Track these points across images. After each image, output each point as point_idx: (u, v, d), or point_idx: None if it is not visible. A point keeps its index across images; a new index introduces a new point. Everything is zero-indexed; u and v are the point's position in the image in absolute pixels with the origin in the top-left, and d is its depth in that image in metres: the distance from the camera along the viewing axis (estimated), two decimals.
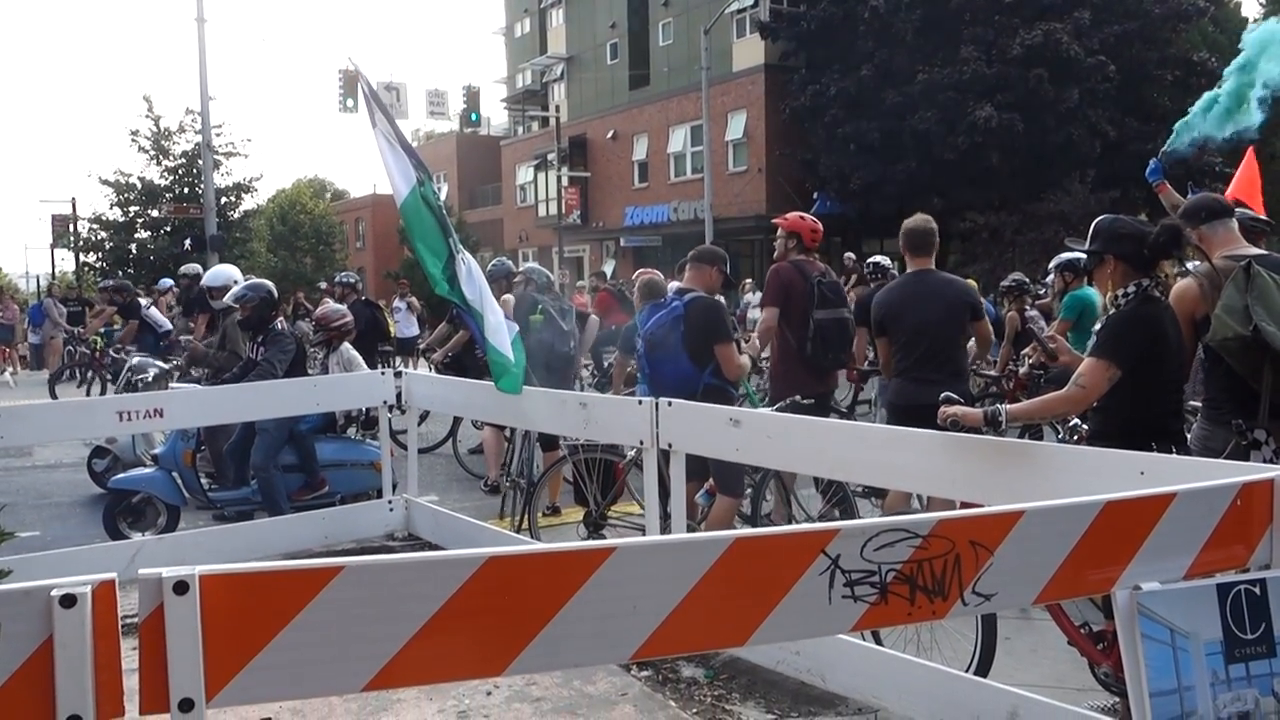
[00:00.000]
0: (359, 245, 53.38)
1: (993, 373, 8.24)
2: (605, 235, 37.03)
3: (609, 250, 37.32)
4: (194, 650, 1.70)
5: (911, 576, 2.12)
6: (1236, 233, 3.99)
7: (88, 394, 13.70)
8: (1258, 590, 2.35)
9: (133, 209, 31.66)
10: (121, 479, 6.85)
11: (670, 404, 4.51)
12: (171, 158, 31.49)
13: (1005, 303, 9.02)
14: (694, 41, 29.56)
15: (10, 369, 20.18)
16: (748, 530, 2.12)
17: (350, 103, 24.92)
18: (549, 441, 7.03)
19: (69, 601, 1.65)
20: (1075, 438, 3.76)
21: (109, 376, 13.39)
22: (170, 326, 13.29)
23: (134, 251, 31.45)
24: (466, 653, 1.90)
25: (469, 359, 8.80)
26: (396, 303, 18.25)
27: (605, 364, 11.49)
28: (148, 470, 6.84)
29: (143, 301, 13.65)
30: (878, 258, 9.10)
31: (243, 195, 32.76)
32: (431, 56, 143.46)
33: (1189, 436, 3.74)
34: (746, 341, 6.29)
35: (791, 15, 27.56)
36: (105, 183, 31.26)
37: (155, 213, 31.10)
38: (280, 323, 7.26)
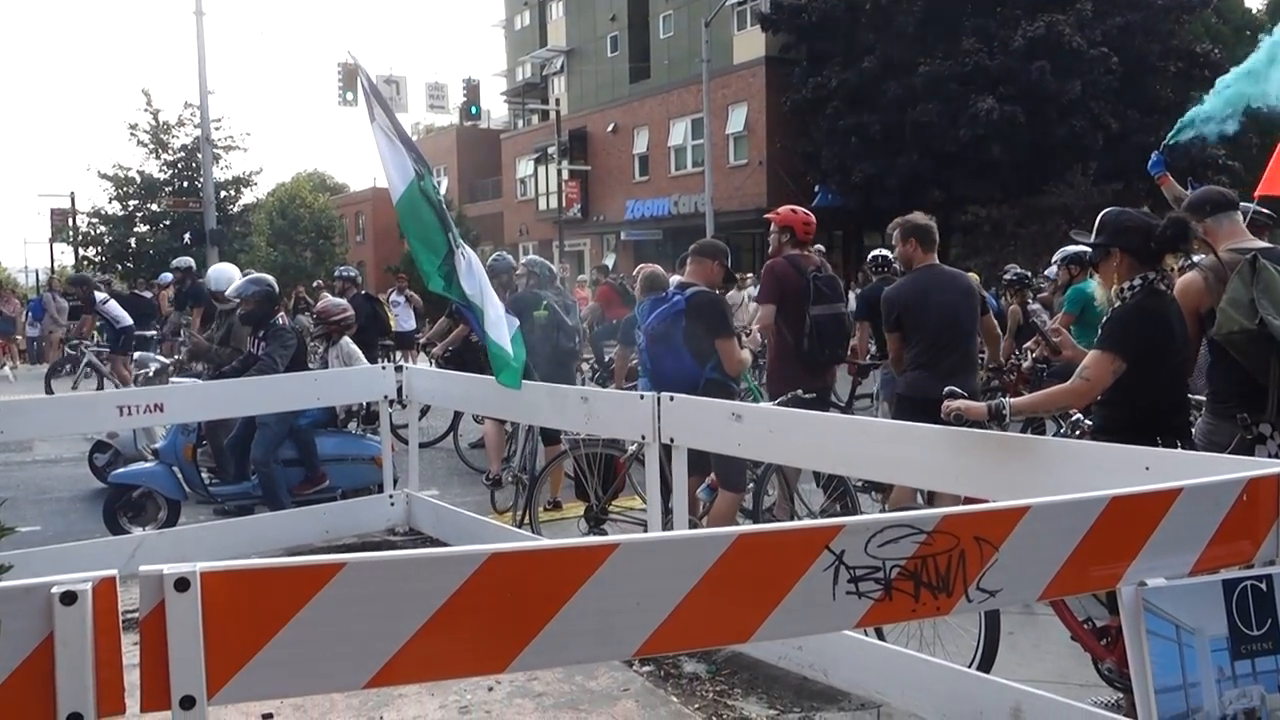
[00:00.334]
0: (359, 239, 53.31)
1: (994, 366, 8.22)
2: (606, 229, 36.98)
3: (609, 244, 37.29)
4: (195, 647, 1.70)
5: (916, 573, 2.11)
6: (1242, 226, 3.97)
7: (74, 387, 13.64)
8: (1264, 586, 2.34)
9: (132, 203, 31.64)
10: (121, 473, 6.84)
11: (672, 399, 4.49)
12: (170, 151, 31.45)
13: (1007, 296, 9.00)
14: (695, 34, 29.50)
15: (10, 363, 20.17)
16: (751, 527, 2.10)
17: (350, 96, 24.85)
18: (551, 436, 7.02)
19: (69, 599, 1.64)
20: (1077, 432, 3.75)
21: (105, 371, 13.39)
22: (129, 321, 13.34)
23: (133, 245, 31.42)
24: (469, 650, 1.89)
25: (469, 353, 8.78)
26: (395, 297, 18.23)
27: (606, 358, 11.49)
28: (148, 465, 6.83)
29: (99, 296, 13.69)
30: (882, 251, 9.06)
31: (242, 189, 32.74)
32: (431, 49, 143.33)
33: (1194, 431, 3.73)
34: (748, 335, 6.26)
35: (792, 7, 27.47)
36: (104, 176, 31.25)
37: (154, 207, 31.09)
38: (281, 318, 7.24)
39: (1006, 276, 9.16)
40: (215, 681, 1.73)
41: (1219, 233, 3.87)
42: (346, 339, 7.76)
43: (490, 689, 3.89)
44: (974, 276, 6.25)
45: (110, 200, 31.68)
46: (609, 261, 30.84)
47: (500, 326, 5.37)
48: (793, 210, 6.33)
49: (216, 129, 28.60)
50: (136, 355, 10.33)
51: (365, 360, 7.93)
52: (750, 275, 19.69)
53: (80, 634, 1.64)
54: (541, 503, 6.46)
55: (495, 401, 5.83)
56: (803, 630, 2.47)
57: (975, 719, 3.37)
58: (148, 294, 16.62)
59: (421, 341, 11.83)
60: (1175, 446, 3.34)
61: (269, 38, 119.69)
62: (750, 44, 31.01)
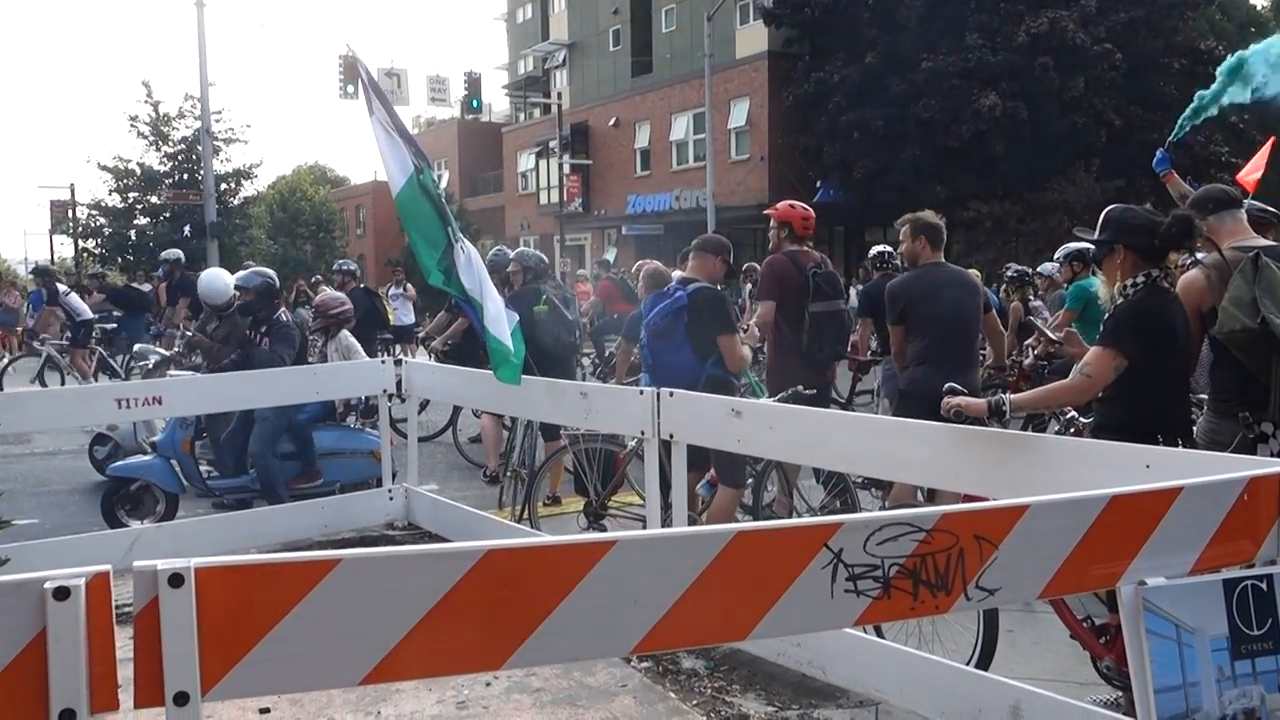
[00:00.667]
0: (359, 232, 53.29)
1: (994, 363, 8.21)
2: (607, 223, 36.95)
3: (610, 238, 37.26)
4: (189, 643, 1.69)
5: (915, 571, 2.10)
6: (1245, 223, 3.95)
7: (61, 381, 13.61)
8: (1264, 586, 2.33)
9: (132, 195, 31.62)
10: (119, 466, 6.83)
11: (672, 394, 4.48)
12: (171, 143, 31.43)
13: (1009, 293, 8.98)
14: (697, 28, 29.43)
15: (8, 355, 20.17)
16: (749, 524, 2.10)
17: (351, 89, 24.80)
18: (550, 431, 7.00)
19: (62, 594, 1.63)
20: (1072, 430, 3.74)
21: (114, 366, 13.38)
22: (90, 315, 13.38)
23: (133, 238, 31.43)
24: (466, 646, 1.88)
25: (468, 347, 8.77)
26: (393, 290, 18.21)
27: (606, 352, 11.48)
28: (146, 458, 6.82)
29: (61, 288, 13.72)
30: (885, 247, 9.04)
31: (243, 182, 32.74)
32: (433, 42, 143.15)
33: (1195, 430, 3.72)
34: (745, 331, 6.25)
35: (795, 2, 27.40)
36: (104, 168, 31.23)
37: (154, 199, 31.07)
38: (284, 313, 7.23)
39: (1008, 273, 9.14)
40: (210, 677, 1.72)
41: (1222, 230, 3.86)
42: (345, 333, 7.75)
43: (488, 684, 3.89)
44: (975, 273, 6.24)
45: (110, 192, 31.69)
46: (610, 256, 30.82)
47: (500, 321, 5.36)
48: (791, 205, 6.30)
49: (217, 121, 28.61)
50: (136, 348, 10.33)
51: (364, 354, 7.91)
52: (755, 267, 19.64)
53: (73, 629, 1.63)
54: (541, 498, 6.45)
55: (495, 396, 5.82)
56: (801, 628, 2.46)
57: (974, 717, 3.36)
58: (146, 287, 16.62)
59: (421, 335, 11.81)
60: (1176, 445, 3.33)
61: (270, 30, 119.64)
62: (753, 38, 30.94)
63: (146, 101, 31.23)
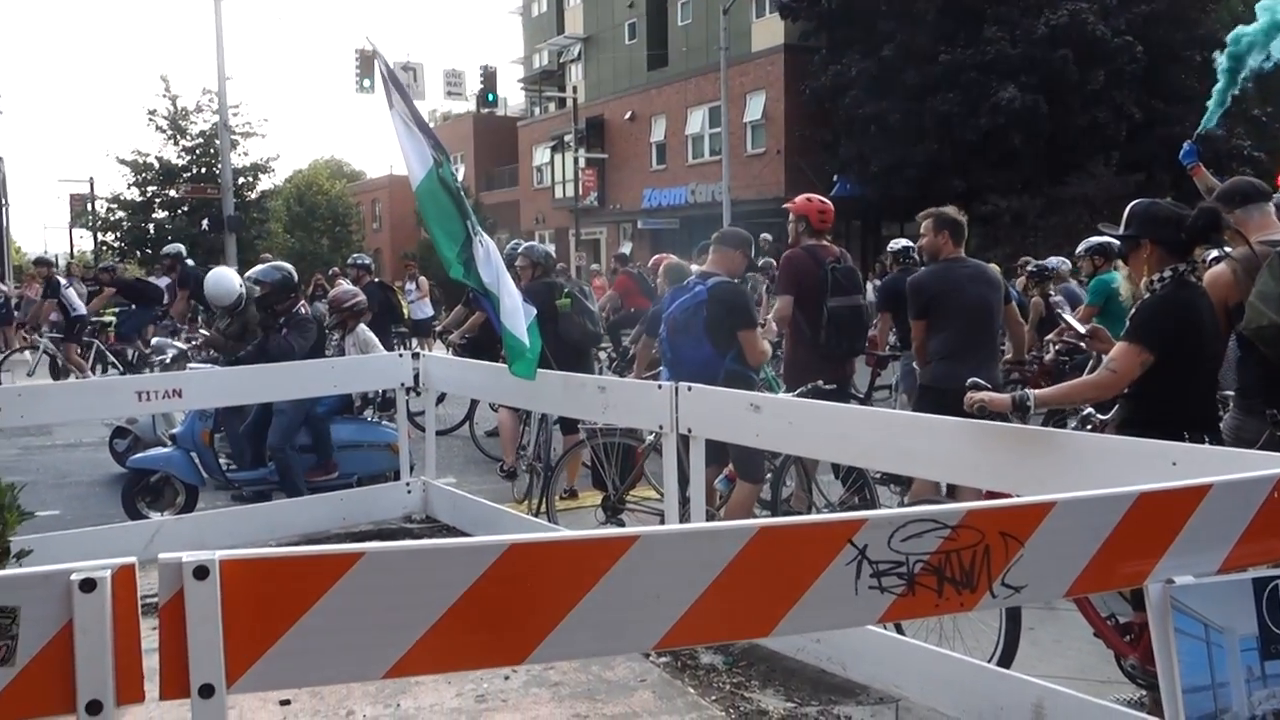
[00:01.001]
0: (375, 226, 53.46)
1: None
2: (622, 217, 36.93)
3: (626, 232, 37.24)
4: (214, 636, 1.69)
5: (939, 568, 2.08)
6: (1273, 217, 3.91)
7: (30, 375, 13.66)
8: None
9: (150, 189, 31.78)
10: (139, 458, 6.87)
11: (690, 389, 4.47)
12: (189, 137, 31.57)
13: (1028, 287, 8.93)
14: (713, 21, 29.35)
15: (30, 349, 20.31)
16: (773, 520, 2.09)
17: (367, 83, 24.83)
18: (568, 424, 7.00)
19: (89, 586, 1.63)
20: (1089, 426, 3.70)
21: (112, 359, 13.45)
22: (84, 310, 13.48)
23: (151, 231, 31.59)
24: (487, 641, 1.87)
25: (486, 341, 8.77)
26: (408, 284, 18.27)
27: (623, 346, 11.45)
28: (166, 450, 6.86)
29: (61, 281, 13.83)
30: (905, 242, 8.99)
31: (260, 176, 32.86)
32: (448, 36, 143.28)
33: (1222, 426, 3.68)
34: (763, 326, 6.22)
35: None
36: (123, 162, 31.40)
37: (173, 193, 31.23)
38: (303, 306, 7.25)
39: (1029, 268, 9.09)
40: (234, 670, 1.72)
41: (1250, 224, 3.81)
42: (363, 326, 7.76)
43: (506, 678, 3.89)
44: (994, 268, 6.19)
45: (129, 186, 31.87)
46: (625, 250, 30.80)
47: (516, 316, 5.34)
48: (808, 199, 6.26)
49: (234, 115, 28.70)
50: (154, 341, 10.36)
51: (382, 348, 7.93)
52: (772, 262, 19.58)
53: (99, 621, 1.64)
54: (558, 491, 6.45)
55: (513, 390, 5.81)
56: (824, 625, 2.45)
57: (996, 715, 3.34)
58: (164, 280, 16.72)
59: (438, 329, 11.84)
60: (1203, 442, 3.29)
61: (286, 24, 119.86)
62: (769, 31, 30.84)
63: (165, 95, 31.41)
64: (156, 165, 31.45)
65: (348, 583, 1.76)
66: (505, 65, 57.76)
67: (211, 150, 29.87)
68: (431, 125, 5.57)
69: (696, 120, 33.28)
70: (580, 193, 35.04)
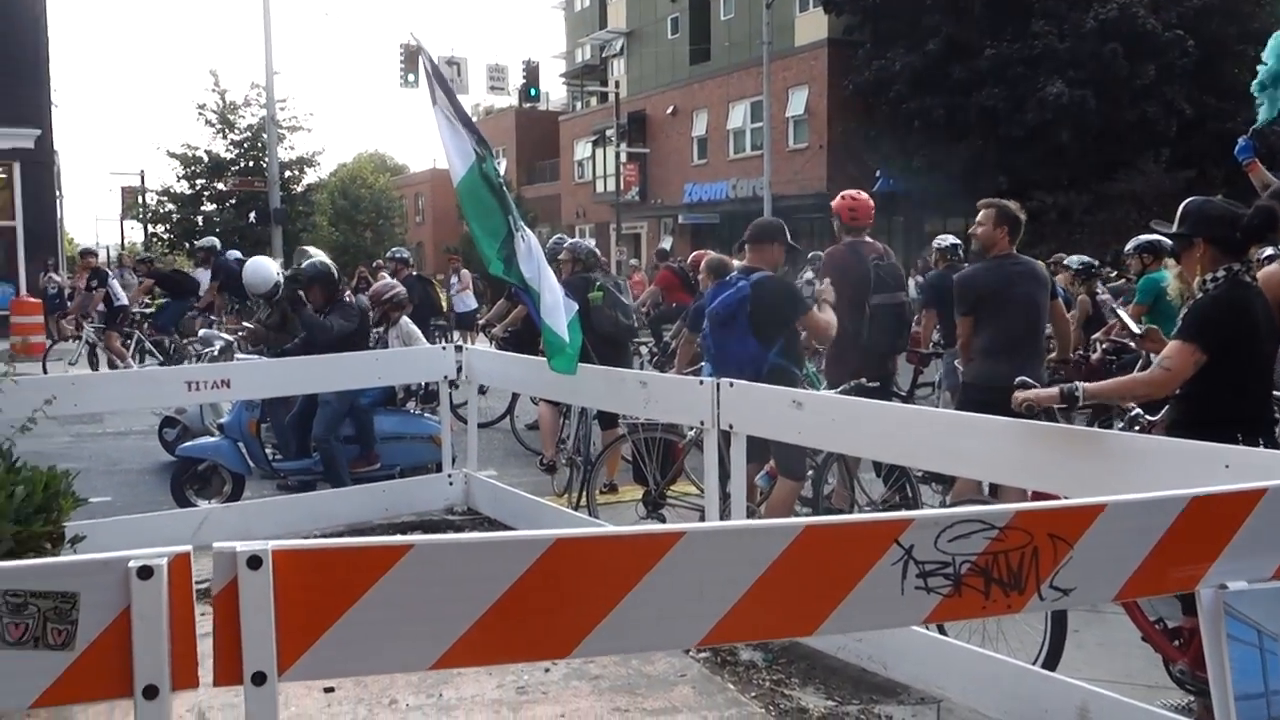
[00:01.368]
0: (418, 220, 53.88)
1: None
2: (663, 212, 36.90)
3: (667, 227, 37.21)
4: (267, 624, 1.72)
5: (987, 569, 2.07)
6: None
7: (72, 365, 13.85)
8: None
9: (199, 182, 32.30)
10: (188, 447, 6.99)
11: (731, 385, 4.46)
12: (237, 131, 32.03)
13: (1076, 285, 8.80)
14: (756, 16, 29.22)
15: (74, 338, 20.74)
16: (819, 518, 2.08)
17: (411, 78, 25.04)
18: (608, 419, 7.02)
19: (146, 573, 1.67)
20: (1137, 428, 3.64)
21: (149, 348, 13.66)
22: (126, 300, 13.69)
23: (200, 223, 32.10)
24: (533, 634, 1.89)
25: (528, 334, 8.81)
26: (451, 278, 18.42)
27: (664, 341, 11.45)
28: (213, 439, 6.97)
29: (107, 271, 14.10)
30: (952, 238, 8.89)
31: (305, 169, 33.27)
32: (492, 31, 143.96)
33: (1278, 429, 3.61)
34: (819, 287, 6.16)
35: None
36: (173, 156, 31.93)
37: (221, 186, 31.71)
38: (348, 295, 7.33)
39: (1075, 265, 8.94)
40: (285, 658, 1.75)
41: None
42: (405, 319, 7.83)
43: (547, 670, 3.91)
44: (1042, 265, 6.11)
45: (179, 179, 32.43)
46: (666, 245, 30.76)
47: (557, 312, 5.36)
48: (841, 196, 6.23)
49: (281, 110, 29.06)
50: (201, 333, 10.54)
51: (425, 340, 7.99)
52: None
53: (156, 608, 1.67)
54: (598, 485, 6.47)
55: (554, 384, 5.84)
56: (869, 625, 2.44)
57: (1039, 718, 3.31)
58: (205, 273, 16.99)
59: (481, 322, 11.91)
60: (1257, 444, 3.23)
61: (333, 20, 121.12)
62: (812, 26, 30.64)
63: (214, 90, 31.91)
64: (205, 158, 31.94)
65: (396, 574, 1.78)
66: (547, 60, 58.03)
67: (259, 144, 30.28)
68: (474, 120, 5.59)
69: (738, 115, 33.16)
70: (621, 187, 35.06)
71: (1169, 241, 3.77)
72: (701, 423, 4.61)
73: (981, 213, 5.25)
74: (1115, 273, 10.89)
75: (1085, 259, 8.96)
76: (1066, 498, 3.10)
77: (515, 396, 9.47)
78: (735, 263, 6.73)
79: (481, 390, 7.65)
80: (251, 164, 31.27)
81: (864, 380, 5.16)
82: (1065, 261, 9.16)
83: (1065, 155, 24.08)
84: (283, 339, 7.60)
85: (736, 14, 33.86)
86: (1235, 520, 2.23)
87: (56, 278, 20.13)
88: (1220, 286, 3.37)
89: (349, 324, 6.97)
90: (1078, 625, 4.11)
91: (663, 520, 5.66)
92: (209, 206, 32.71)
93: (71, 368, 13.33)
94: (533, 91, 30.57)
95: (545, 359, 5.54)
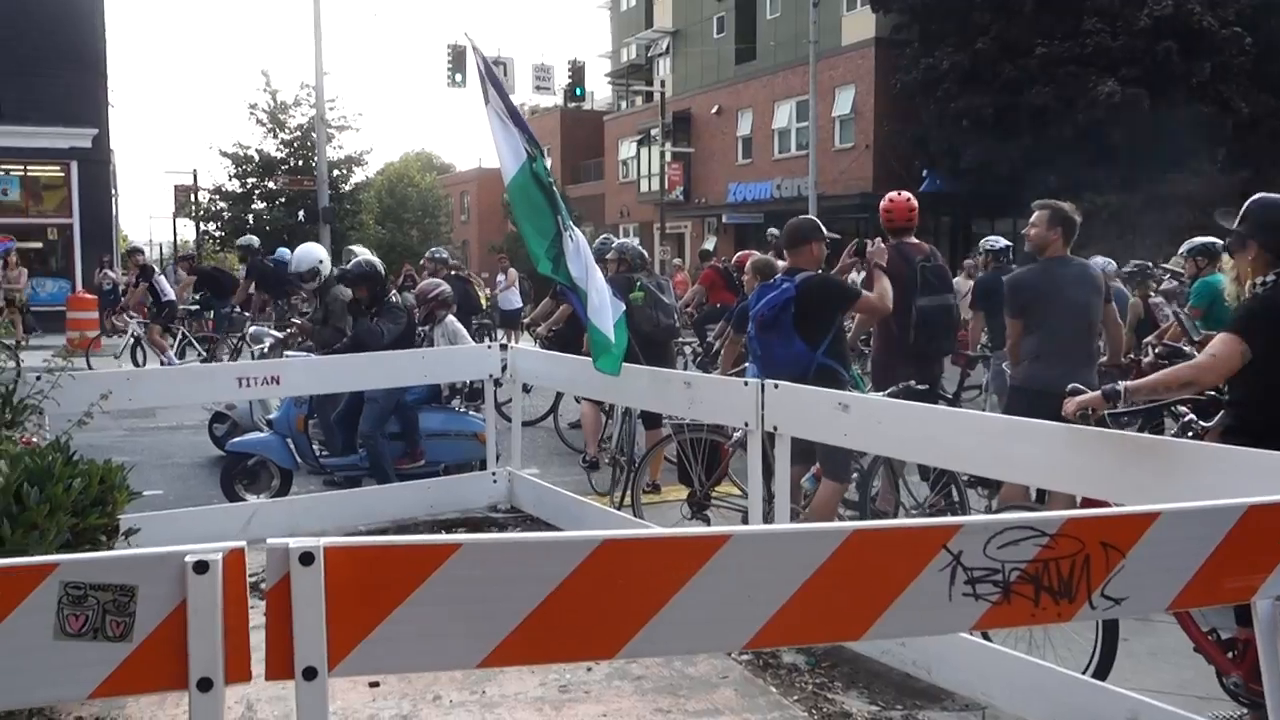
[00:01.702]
0: (464, 218, 54.27)
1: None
2: (707, 212, 36.83)
3: (710, 227, 37.13)
4: (318, 620, 1.74)
5: (1037, 576, 2.05)
6: None
7: (118, 358, 14.10)
8: None
9: (250, 180, 32.77)
10: (238, 442, 7.10)
11: (776, 386, 4.45)
12: (287, 131, 32.45)
13: (1131, 288, 8.66)
14: (802, 15, 29.05)
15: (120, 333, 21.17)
16: (867, 523, 2.07)
17: (459, 77, 25.19)
18: (651, 419, 7.03)
19: (202, 568, 1.70)
20: (1190, 434, 3.57)
21: (194, 342, 13.88)
22: (173, 296, 13.91)
23: (250, 221, 32.57)
24: (580, 634, 1.90)
25: (572, 334, 8.85)
26: (498, 276, 18.56)
27: (708, 341, 11.44)
28: (262, 435, 7.08)
29: (153, 268, 14.38)
30: (1001, 240, 8.78)
31: (353, 168, 33.62)
32: (538, 31, 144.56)
33: None
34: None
35: None
36: (225, 155, 32.43)
37: (271, 184, 32.13)
38: (394, 295, 7.42)
39: (1127, 269, 8.80)
40: (335, 654, 1.77)
41: None
42: (451, 318, 7.90)
43: (589, 669, 3.92)
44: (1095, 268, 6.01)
45: (230, 178, 32.92)
46: (709, 245, 30.72)
47: (604, 312, 5.37)
48: (884, 198, 6.21)
49: (331, 109, 29.37)
50: (251, 330, 10.71)
51: (470, 339, 8.05)
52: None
53: (211, 602, 1.70)
54: (641, 485, 6.47)
55: (598, 384, 5.85)
56: (916, 631, 2.42)
57: None
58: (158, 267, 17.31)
59: (526, 321, 11.97)
60: None
61: (381, 20, 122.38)
62: (859, 25, 30.42)
63: (265, 90, 32.35)
64: (256, 157, 32.41)
65: (445, 573, 1.80)
66: (593, 59, 58.06)
67: (308, 143, 30.65)
68: None
69: (784, 114, 33.00)
70: (665, 187, 35.04)
71: (1221, 244, 3.70)
72: (746, 424, 4.60)
73: (1036, 214, 5.17)
74: (1168, 274, 10.67)
75: (1138, 261, 8.82)
76: (1117, 505, 3.05)
77: (559, 395, 9.52)
78: (780, 263, 6.71)
79: (526, 389, 7.70)
80: (301, 163, 31.67)
81: (912, 383, 5.11)
82: (1128, 269, 9.01)
83: (1117, 155, 23.65)
84: (325, 333, 7.72)
85: (783, 13, 33.70)
86: None
87: (111, 274, 20.56)
88: (1270, 288, 3.30)
89: (398, 328, 7.07)
90: (1128, 634, 4.04)
91: (707, 522, 5.66)
92: (259, 205, 33.17)
93: (116, 360, 13.63)
94: (578, 91, 30.63)
95: (589, 358, 5.56)
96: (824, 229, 5.50)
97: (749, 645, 2.01)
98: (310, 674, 1.75)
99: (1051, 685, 3.41)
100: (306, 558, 1.73)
